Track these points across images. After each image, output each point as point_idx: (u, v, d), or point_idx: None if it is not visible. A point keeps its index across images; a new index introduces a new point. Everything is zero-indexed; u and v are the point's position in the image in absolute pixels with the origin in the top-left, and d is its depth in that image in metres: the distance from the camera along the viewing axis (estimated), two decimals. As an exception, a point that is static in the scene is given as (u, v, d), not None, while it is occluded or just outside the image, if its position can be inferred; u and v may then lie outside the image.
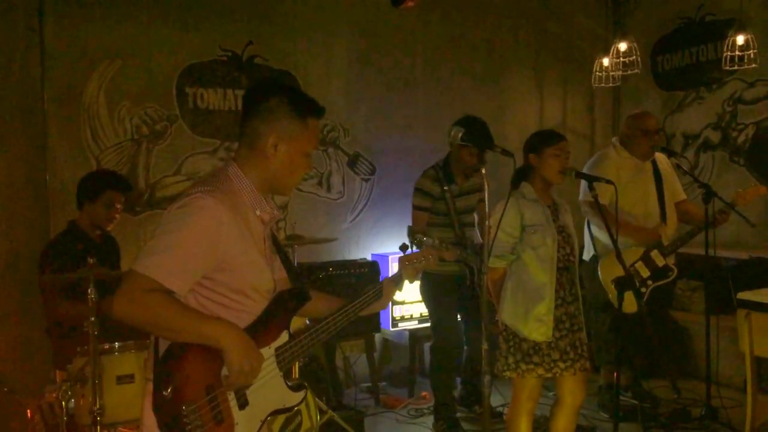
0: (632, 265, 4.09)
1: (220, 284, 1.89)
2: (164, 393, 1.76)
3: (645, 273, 4.17)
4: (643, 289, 4.11)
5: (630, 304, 3.31)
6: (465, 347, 4.55)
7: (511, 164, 3.16)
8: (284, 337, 2.01)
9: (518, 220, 3.18)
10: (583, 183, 3.98)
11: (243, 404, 1.89)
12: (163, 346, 1.83)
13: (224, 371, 1.83)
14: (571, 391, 3.26)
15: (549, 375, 3.19)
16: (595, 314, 4.42)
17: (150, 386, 1.84)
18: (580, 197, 4.29)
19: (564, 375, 3.19)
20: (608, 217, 3.29)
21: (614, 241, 3.13)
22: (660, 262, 4.21)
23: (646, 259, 4.19)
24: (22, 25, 4.20)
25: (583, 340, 3.26)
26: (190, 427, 1.76)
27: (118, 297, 1.75)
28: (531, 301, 3.16)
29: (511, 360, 3.20)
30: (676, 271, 4.26)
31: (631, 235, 4.16)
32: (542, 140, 3.25)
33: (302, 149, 1.99)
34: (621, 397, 3.98)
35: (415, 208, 4.21)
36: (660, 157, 4.47)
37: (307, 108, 1.99)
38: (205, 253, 1.82)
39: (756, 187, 4.24)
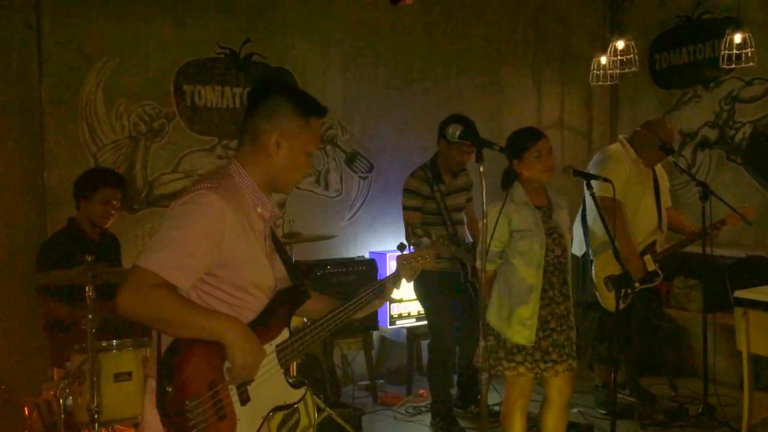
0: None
1: (223, 280, 1.89)
2: (167, 389, 1.76)
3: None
4: (629, 291, 4.12)
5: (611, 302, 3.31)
6: (458, 346, 4.55)
7: (505, 163, 3.16)
8: (285, 334, 2.02)
9: (506, 225, 3.14)
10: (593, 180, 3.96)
11: (245, 400, 1.89)
12: (165, 342, 1.83)
13: (227, 365, 1.84)
14: (558, 388, 3.25)
15: (531, 374, 3.17)
16: (583, 312, 4.42)
17: (152, 383, 1.85)
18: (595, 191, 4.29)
19: (544, 375, 3.19)
20: (610, 216, 3.28)
21: (612, 239, 3.13)
22: (651, 266, 4.24)
23: None
24: (19, 22, 4.18)
25: (572, 339, 3.23)
26: (193, 422, 1.76)
27: (122, 293, 1.75)
28: (516, 304, 3.13)
29: (493, 356, 3.19)
30: (662, 276, 4.28)
31: (624, 251, 4.12)
32: (521, 145, 3.15)
33: (304, 148, 2.00)
34: (618, 395, 3.98)
35: (407, 208, 4.19)
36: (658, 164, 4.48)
37: (309, 107, 2.01)
38: (209, 249, 1.82)
39: (746, 209, 4.30)
